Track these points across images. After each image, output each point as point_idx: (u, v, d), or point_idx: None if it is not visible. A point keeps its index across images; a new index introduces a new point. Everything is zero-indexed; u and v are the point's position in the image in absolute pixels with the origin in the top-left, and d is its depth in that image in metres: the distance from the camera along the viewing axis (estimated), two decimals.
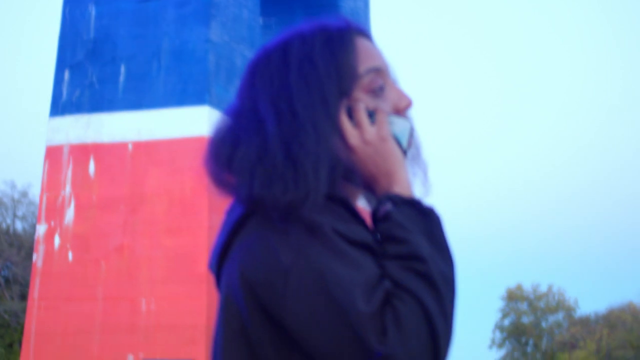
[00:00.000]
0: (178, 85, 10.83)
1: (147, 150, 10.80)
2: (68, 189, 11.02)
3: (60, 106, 11.29)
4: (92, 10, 11.41)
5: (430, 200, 1.67)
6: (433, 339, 1.44)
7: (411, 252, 1.50)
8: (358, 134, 1.64)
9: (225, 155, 1.61)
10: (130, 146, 10.87)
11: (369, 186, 1.66)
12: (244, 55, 11.22)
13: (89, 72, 11.22)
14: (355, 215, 1.58)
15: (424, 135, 1.83)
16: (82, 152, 11.06)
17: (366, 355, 1.42)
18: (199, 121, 10.62)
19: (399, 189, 1.61)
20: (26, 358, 10.75)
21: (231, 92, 10.90)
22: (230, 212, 1.66)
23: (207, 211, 10.37)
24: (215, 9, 10.95)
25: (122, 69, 11.09)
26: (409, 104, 1.72)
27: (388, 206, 1.57)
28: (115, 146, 10.94)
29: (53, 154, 11.20)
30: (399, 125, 1.69)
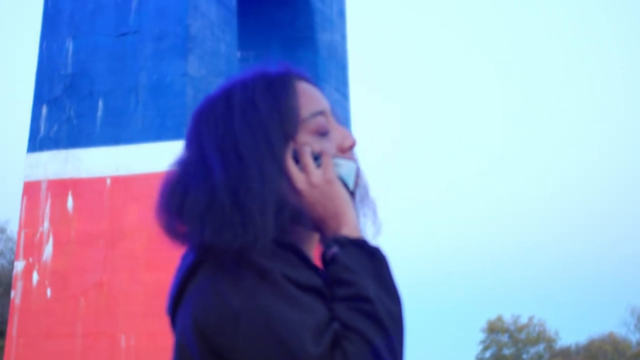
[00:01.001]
0: (156, 119, 10.82)
1: (125, 185, 10.78)
2: (46, 224, 10.97)
3: (37, 141, 11.26)
4: (70, 44, 11.41)
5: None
6: None
7: (357, 294, 1.52)
8: (304, 177, 1.67)
9: (176, 205, 1.66)
10: (108, 181, 10.85)
11: (319, 229, 1.69)
12: None
13: (67, 107, 11.20)
14: (304, 259, 1.61)
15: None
16: (60, 187, 11.02)
17: None
18: (177, 155, 10.59)
19: (346, 231, 1.63)
20: None
21: None
22: (184, 258, 1.71)
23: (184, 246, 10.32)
24: (193, 43, 10.97)
25: (100, 104, 11.08)
26: (353, 144, 1.75)
27: (335, 249, 1.60)
28: (93, 181, 10.91)
29: (31, 189, 11.15)
30: (344, 167, 1.71)
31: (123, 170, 10.81)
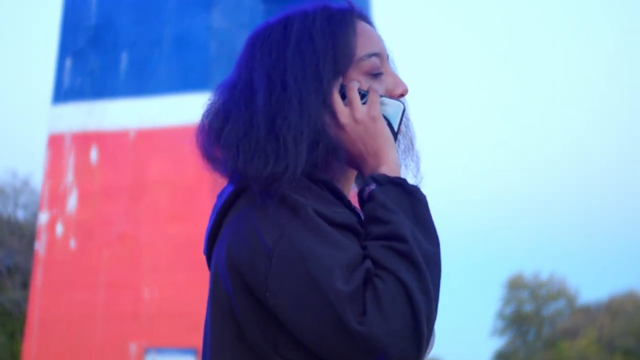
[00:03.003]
0: (180, 72, 10.80)
1: (149, 137, 10.79)
2: (70, 177, 11.01)
3: (62, 94, 11.27)
4: None
5: (428, 189, 1.66)
6: (414, 319, 1.43)
7: (393, 232, 1.49)
8: (349, 112, 1.64)
9: (216, 130, 1.63)
10: (132, 134, 10.85)
11: (357, 166, 1.66)
12: None
13: (91, 60, 11.19)
14: (338, 196, 1.60)
15: (420, 126, 1.83)
16: (84, 140, 11.04)
17: (346, 335, 1.42)
18: (201, 108, 10.58)
19: (386, 170, 1.61)
20: (29, 346, 10.76)
21: None
22: (220, 196, 1.68)
23: (209, 199, 10.34)
24: None
25: (124, 56, 11.06)
26: (404, 91, 1.72)
27: (372, 186, 1.57)
28: (117, 134, 10.93)
29: (55, 142, 11.18)
30: (391, 107, 1.69)
31: (147, 123, 10.81)
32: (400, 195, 1.56)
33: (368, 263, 1.46)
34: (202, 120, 1.67)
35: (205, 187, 10.41)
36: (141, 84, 10.92)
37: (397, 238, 1.48)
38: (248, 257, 1.51)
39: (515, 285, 50.93)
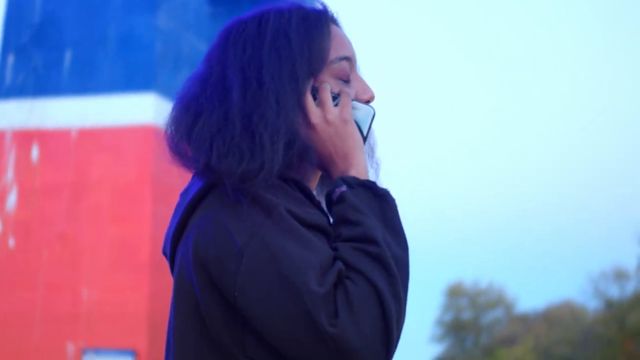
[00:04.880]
0: (124, 71, 10.74)
1: (91, 137, 10.71)
2: (10, 174, 10.89)
3: (3, 90, 11.15)
4: None
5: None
6: (385, 321, 1.44)
7: (364, 234, 1.49)
8: (320, 113, 1.64)
9: (187, 125, 1.59)
10: (74, 132, 10.76)
11: (326, 168, 1.66)
12: (191, 43, 11.16)
13: (34, 57, 11.08)
14: (309, 197, 1.59)
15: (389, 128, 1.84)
16: (25, 137, 10.93)
17: (317, 336, 1.42)
18: (144, 109, 10.54)
19: (355, 172, 1.60)
20: None
21: (177, 80, 10.84)
22: (184, 194, 1.65)
23: (151, 200, 10.31)
24: None
25: (68, 54, 10.97)
26: (371, 98, 1.73)
27: (342, 188, 1.56)
28: (59, 132, 10.83)
29: None
30: (361, 111, 1.69)
31: (90, 122, 10.73)
32: (371, 198, 1.56)
33: (339, 264, 1.46)
34: (172, 113, 1.64)
35: (147, 189, 10.37)
36: (84, 82, 10.84)
37: (368, 240, 1.49)
38: (217, 255, 1.49)
39: (455, 292, 51.28)
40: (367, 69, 1.79)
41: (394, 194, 1.62)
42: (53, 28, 11.09)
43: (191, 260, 1.53)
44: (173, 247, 1.63)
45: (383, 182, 1.75)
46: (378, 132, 1.84)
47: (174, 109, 1.64)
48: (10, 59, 11.18)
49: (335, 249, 1.50)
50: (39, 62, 11.05)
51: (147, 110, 10.53)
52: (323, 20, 1.70)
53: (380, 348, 1.44)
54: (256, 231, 1.48)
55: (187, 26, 11.20)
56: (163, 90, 10.66)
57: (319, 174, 1.72)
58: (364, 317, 1.42)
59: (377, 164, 1.80)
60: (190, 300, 1.55)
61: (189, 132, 1.58)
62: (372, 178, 1.72)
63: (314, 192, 1.69)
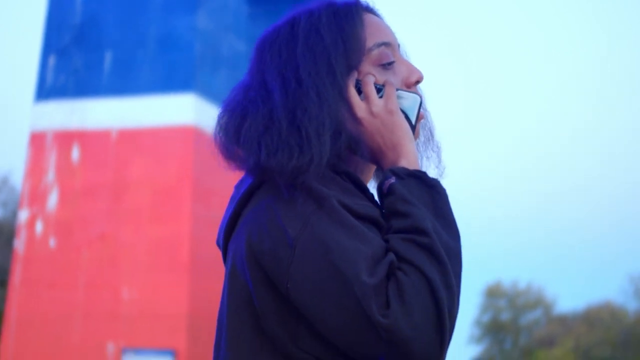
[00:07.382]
0: (164, 72, 10.79)
1: (131, 137, 10.77)
2: (51, 175, 10.97)
3: (45, 92, 11.23)
4: None
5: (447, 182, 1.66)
6: (437, 313, 1.43)
7: (413, 226, 1.49)
8: (365, 106, 1.63)
9: (234, 128, 1.61)
10: (114, 133, 10.83)
11: (377, 160, 1.65)
12: (230, 43, 11.19)
13: (75, 58, 11.16)
14: (362, 188, 1.59)
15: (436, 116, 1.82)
16: (66, 138, 11.01)
17: (369, 327, 1.42)
18: (184, 109, 10.58)
19: (405, 163, 1.60)
20: (7, 344, 10.70)
21: (217, 80, 10.87)
22: (238, 186, 1.67)
23: (191, 200, 10.34)
24: None
25: (108, 55, 11.03)
26: (419, 79, 1.72)
27: (392, 180, 1.56)
28: (99, 133, 10.90)
29: (37, 139, 11.15)
30: (407, 100, 1.68)
31: (129, 123, 10.79)
32: (421, 188, 1.56)
33: (391, 256, 1.46)
34: (218, 121, 1.65)
35: (186, 189, 10.40)
36: (124, 83, 10.90)
37: (418, 231, 1.48)
38: (270, 246, 1.50)
39: (493, 293, 51.04)
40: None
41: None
42: (93, 29, 11.16)
43: (245, 257, 1.54)
44: (226, 237, 1.65)
45: (446, 165, 1.75)
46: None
47: (220, 117, 1.66)
48: (52, 61, 11.26)
49: (387, 241, 1.49)
50: (79, 64, 11.12)
51: (187, 110, 10.57)
52: (354, 11, 1.70)
53: (433, 339, 1.44)
54: (308, 222, 1.49)
55: (226, 27, 11.23)
56: (202, 91, 10.69)
57: (373, 167, 1.72)
58: (416, 307, 1.42)
59: (437, 147, 1.80)
60: (243, 294, 1.56)
61: (237, 135, 1.59)
62: (432, 163, 1.76)
63: (370, 186, 1.69)
